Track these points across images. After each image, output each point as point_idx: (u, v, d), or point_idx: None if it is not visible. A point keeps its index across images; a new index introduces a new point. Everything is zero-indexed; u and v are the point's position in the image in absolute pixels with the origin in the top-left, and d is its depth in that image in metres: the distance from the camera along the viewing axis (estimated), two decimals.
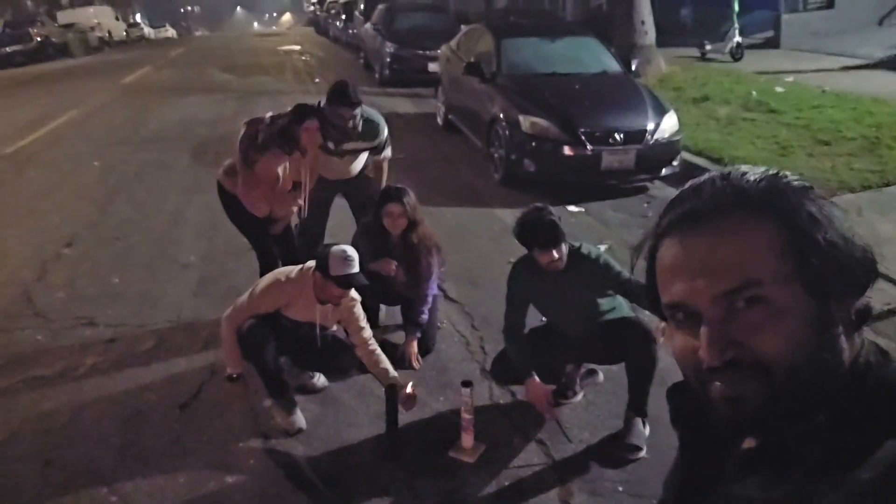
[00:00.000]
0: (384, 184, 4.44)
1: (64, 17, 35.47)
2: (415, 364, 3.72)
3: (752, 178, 0.73)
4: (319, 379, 3.62)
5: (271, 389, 3.30)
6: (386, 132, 4.41)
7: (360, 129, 4.20)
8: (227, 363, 3.24)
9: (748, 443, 0.77)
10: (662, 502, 0.94)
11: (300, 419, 3.28)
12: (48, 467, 3.06)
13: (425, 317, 3.84)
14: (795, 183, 0.73)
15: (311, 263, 3.23)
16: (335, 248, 3.16)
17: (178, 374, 3.78)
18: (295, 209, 4.09)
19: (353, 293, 3.29)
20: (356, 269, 3.14)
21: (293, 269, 3.31)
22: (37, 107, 13.43)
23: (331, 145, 4.14)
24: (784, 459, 0.71)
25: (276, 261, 4.09)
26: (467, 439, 3.05)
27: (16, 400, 3.58)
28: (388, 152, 4.53)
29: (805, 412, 0.70)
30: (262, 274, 4.00)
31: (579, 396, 3.42)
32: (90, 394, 3.62)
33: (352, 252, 3.15)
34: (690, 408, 0.81)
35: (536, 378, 3.11)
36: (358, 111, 4.08)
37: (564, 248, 3.00)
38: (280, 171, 3.88)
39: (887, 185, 5.77)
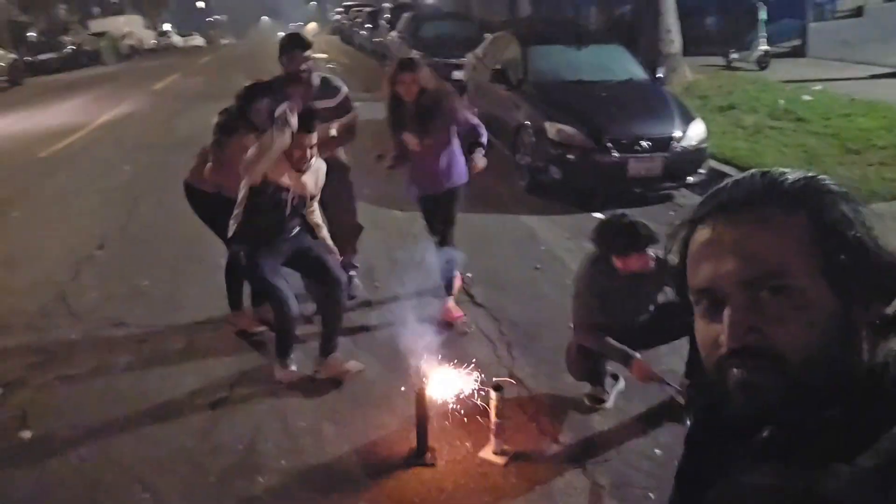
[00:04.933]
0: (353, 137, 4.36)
1: (96, 25, 36.20)
2: (479, 165, 4.14)
3: (790, 177, 0.76)
4: (353, 363, 3.76)
5: (281, 350, 3.66)
6: (346, 89, 4.27)
7: (316, 83, 4.10)
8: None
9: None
10: (672, 497, 0.95)
11: (294, 375, 3.67)
12: (82, 463, 3.12)
13: (483, 139, 4.21)
14: (832, 185, 0.76)
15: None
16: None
17: (208, 374, 3.83)
18: None
19: (319, 163, 3.58)
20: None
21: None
22: (69, 113, 13.70)
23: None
24: (794, 449, 0.73)
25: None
26: (497, 443, 3.05)
27: (51, 396, 3.66)
28: (356, 110, 4.35)
29: (818, 406, 0.71)
30: (227, 269, 4.20)
31: (610, 403, 3.41)
32: (123, 392, 3.68)
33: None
34: (707, 403, 0.85)
35: (638, 356, 3.12)
36: (310, 54, 4.03)
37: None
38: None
39: None
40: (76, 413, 3.49)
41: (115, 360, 4.01)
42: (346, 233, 4.55)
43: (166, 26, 52.61)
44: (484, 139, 4.24)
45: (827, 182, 0.76)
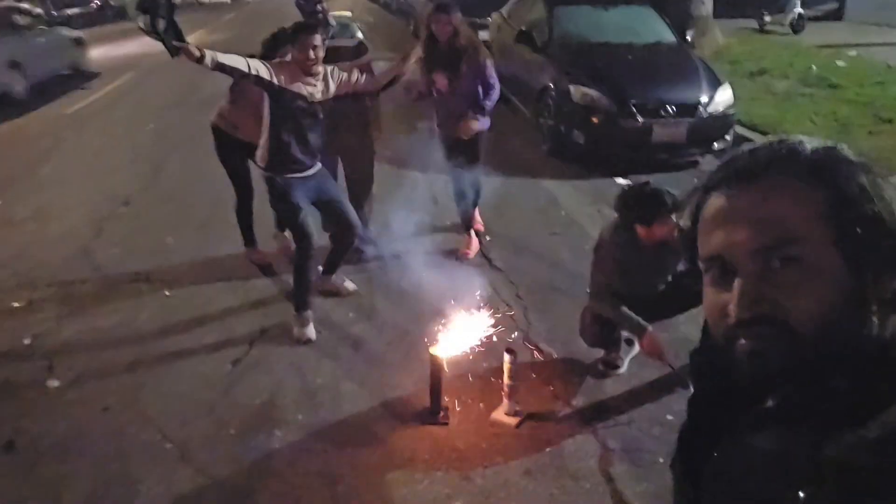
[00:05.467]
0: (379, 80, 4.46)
1: None
2: (471, 128, 4.36)
3: (808, 146, 0.75)
4: (349, 283, 4.26)
5: (299, 300, 3.81)
6: (361, 36, 4.64)
7: (335, 25, 4.42)
8: None
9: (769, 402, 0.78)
10: (674, 458, 0.95)
11: (311, 332, 3.79)
12: (106, 412, 3.23)
13: (489, 103, 4.41)
14: (851, 156, 0.74)
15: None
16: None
17: (230, 331, 3.91)
18: None
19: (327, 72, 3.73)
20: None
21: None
22: (94, 69, 13.75)
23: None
24: (800, 416, 0.73)
25: (251, 200, 4.59)
26: (509, 405, 3.10)
27: (78, 348, 3.76)
28: (371, 55, 4.60)
29: (826, 375, 0.71)
30: (238, 210, 4.64)
31: (623, 369, 3.43)
32: (146, 345, 3.78)
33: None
34: (710, 366, 0.84)
35: (651, 329, 3.11)
36: None
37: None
38: None
39: None
40: (101, 365, 3.60)
41: (139, 314, 4.10)
42: (361, 189, 4.72)
43: None
44: (490, 103, 4.42)
45: (846, 152, 0.74)
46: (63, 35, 12.86)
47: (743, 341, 0.73)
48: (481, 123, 4.45)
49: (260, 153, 3.72)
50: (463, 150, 4.51)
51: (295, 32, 3.60)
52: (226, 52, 3.46)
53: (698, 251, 0.80)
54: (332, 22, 4.39)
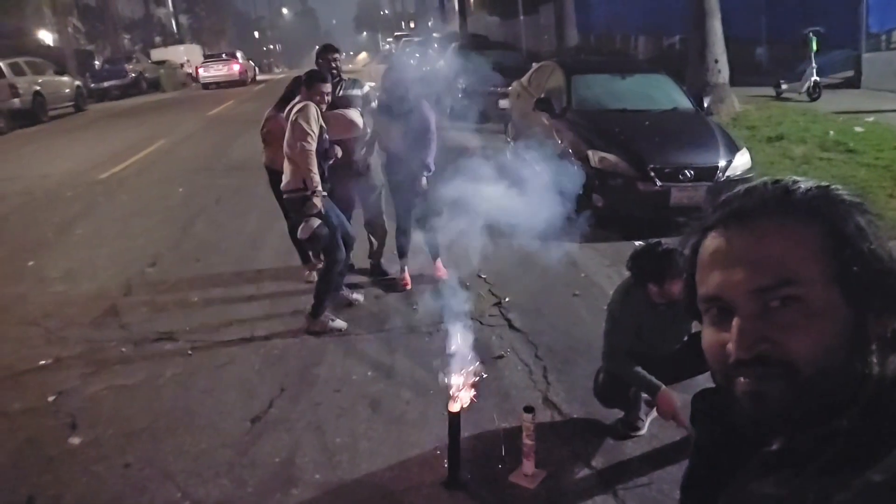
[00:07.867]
0: None
1: (157, 54, 37.60)
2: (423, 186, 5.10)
3: (803, 186, 0.75)
4: (357, 295, 5.03)
5: (323, 304, 4.49)
6: (368, 89, 5.50)
7: (343, 77, 5.32)
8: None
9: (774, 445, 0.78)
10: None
11: (340, 321, 4.59)
12: (127, 469, 3.24)
13: (429, 157, 5.07)
14: (846, 195, 0.75)
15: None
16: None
17: (250, 389, 3.93)
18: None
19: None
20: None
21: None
22: (129, 137, 14.29)
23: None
24: (803, 459, 0.72)
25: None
26: (528, 465, 3.06)
27: (101, 405, 3.81)
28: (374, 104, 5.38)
29: (828, 416, 0.71)
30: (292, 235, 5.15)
31: (644, 430, 3.39)
32: (168, 403, 3.81)
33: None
34: (713, 410, 0.85)
35: (665, 388, 3.07)
36: (338, 55, 5.34)
37: None
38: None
39: None
40: (123, 422, 3.63)
41: (162, 372, 4.16)
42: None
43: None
44: (429, 158, 5.04)
45: (841, 192, 0.75)
46: None
47: (743, 381, 0.73)
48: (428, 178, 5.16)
49: (316, 178, 4.36)
50: (411, 191, 5.14)
51: (310, 80, 4.40)
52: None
53: (697, 292, 0.80)
54: (345, 77, 5.37)
